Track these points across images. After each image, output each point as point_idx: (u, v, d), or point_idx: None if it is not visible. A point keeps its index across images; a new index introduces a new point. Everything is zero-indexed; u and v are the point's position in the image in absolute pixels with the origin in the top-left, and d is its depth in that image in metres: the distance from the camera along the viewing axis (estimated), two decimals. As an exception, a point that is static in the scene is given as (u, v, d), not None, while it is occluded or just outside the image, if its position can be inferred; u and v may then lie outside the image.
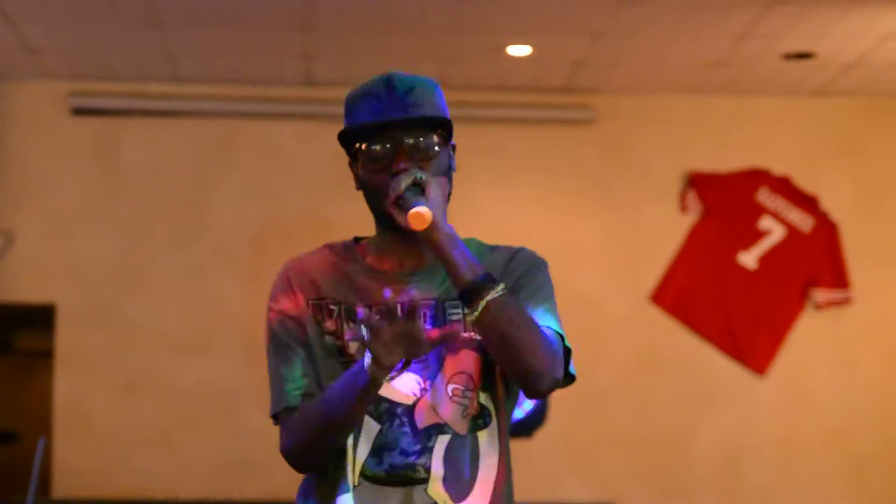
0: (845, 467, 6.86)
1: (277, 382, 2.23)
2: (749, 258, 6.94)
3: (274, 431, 2.25)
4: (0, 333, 9.00)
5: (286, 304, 2.25)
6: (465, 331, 2.20)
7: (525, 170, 6.92)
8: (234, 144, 6.82)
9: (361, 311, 2.05)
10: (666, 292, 6.91)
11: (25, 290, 6.70)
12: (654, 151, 6.97)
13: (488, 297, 2.10)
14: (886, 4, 5.58)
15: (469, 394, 2.21)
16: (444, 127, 2.24)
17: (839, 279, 6.93)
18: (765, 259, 6.94)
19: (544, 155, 6.93)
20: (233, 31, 5.99)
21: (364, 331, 2.03)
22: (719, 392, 6.87)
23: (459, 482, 2.19)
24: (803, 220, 6.96)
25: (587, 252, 6.89)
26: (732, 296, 6.91)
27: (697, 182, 6.95)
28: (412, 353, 2.06)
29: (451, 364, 2.21)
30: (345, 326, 2.22)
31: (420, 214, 2.10)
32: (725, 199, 6.95)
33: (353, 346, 2.20)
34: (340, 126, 2.25)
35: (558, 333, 2.20)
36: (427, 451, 2.18)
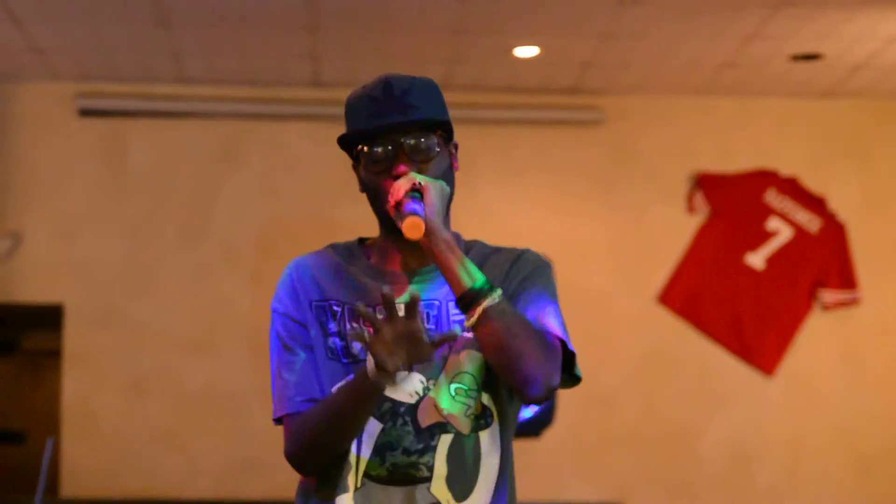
0: (853, 467, 6.86)
1: (280, 386, 2.23)
2: (756, 259, 6.94)
3: (280, 432, 2.24)
4: (8, 334, 9.01)
5: (289, 306, 2.25)
6: (467, 331, 2.19)
7: (533, 170, 6.92)
8: (240, 145, 6.83)
9: (361, 308, 2.04)
10: (673, 293, 6.90)
11: (33, 291, 6.71)
12: (662, 152, 6.97)
13: (485, 304, 2.10)
14: (894, 6, 5.58)
15: (472, 393, 2.20)
16: (443, 127, 2.24)
17: (847, 280, 6.92)
18: (772, 260, 6.93)
19: (552, 156, 6.93)
20: (239, 33, 5.99)
21: (364, 330, 2.03)
22: (727, 392, 6.86)
23: (462, 481, 2.19)
24: (811, 221, 6.96)
25: (595, 253, 6.89)
26: (740, 296, 6.90)
27: (705, 183, 6.94)
28: (414, 355, 2.06)
29: (453, 364, 2.21)
30: (348, 327, 2.21)
31: (414, 224, 2.10)
32: (733, 200, 6.94)
33: (355, 346, 2.20)
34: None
35: (560, 338, 2.19)
36: (430, 449, 2.18)
